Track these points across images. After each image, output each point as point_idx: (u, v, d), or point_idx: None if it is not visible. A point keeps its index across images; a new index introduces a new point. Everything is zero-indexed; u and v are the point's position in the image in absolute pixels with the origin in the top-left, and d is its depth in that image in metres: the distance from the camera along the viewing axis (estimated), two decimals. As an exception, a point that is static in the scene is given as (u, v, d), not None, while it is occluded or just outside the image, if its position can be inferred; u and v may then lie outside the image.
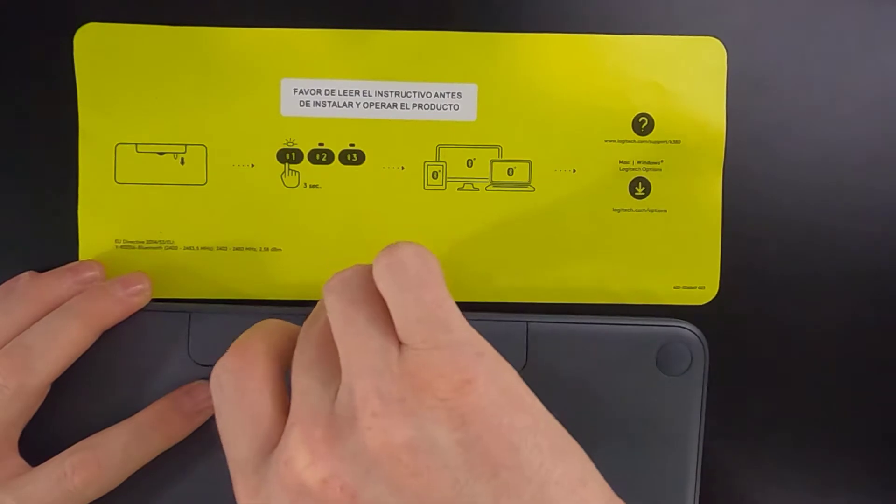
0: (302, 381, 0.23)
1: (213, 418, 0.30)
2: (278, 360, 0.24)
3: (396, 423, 0.21)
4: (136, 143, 0.32)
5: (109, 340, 0.30)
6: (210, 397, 0.30)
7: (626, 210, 0.33)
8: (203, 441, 0.31)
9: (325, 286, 0.23)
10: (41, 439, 0.29)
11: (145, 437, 0.29)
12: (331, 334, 0.23)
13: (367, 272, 0.23)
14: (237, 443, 0.23)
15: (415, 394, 0.21)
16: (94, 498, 0.29)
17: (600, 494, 0.22)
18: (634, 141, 0.33)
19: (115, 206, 0.32)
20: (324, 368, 0.23)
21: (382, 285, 0.22)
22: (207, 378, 0.31)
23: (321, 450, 0.21)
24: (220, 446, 0.31)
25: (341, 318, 0.22)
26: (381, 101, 0.32)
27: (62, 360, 0.29)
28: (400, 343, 0.22)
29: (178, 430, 0.30)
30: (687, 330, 0.32)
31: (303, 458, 0.21)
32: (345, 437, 0.21)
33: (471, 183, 0.33)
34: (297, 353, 0.24)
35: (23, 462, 0.29)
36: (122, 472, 0.29)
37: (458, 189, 0.33)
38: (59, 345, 0.29)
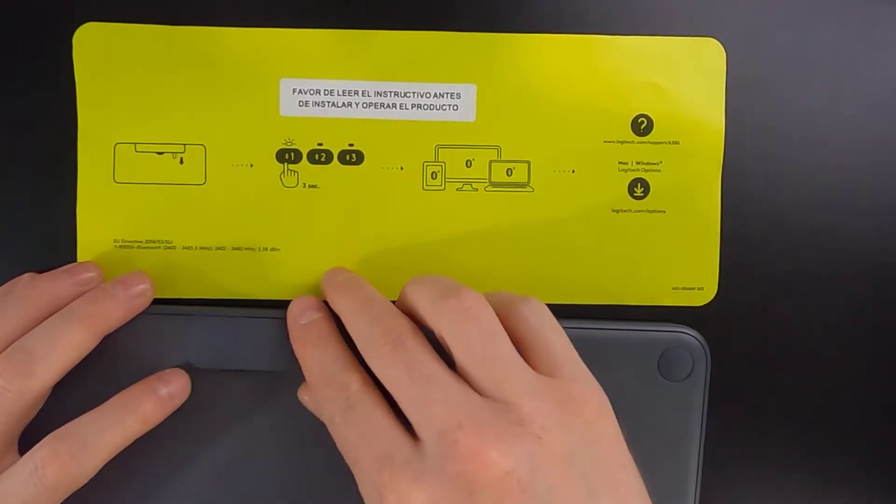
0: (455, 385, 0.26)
1: (182, 409, 0.31)
2: None
3: (559, 436, 0.25)
4: (135, 143, 0.32)
5: (109, 343, 0.30)
6: (182, 383, 0.31)
7: (624, 211, 0.33)
8: (186, 435, 0.31)
9: (466, 297, 0.27)
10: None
11: (120, 420, 0.29)
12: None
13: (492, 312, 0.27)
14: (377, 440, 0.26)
15: (567, 415, 0.26)
16: (73, 487, 0.28)
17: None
18: (633, 142, 0.33)
19: (113, 205, 0.32)
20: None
21: (535, 324, 0.27)
22: (205, 380, 0.31)
23: (502, 446, 0.24)
24: (203, 439, 0.31)
25: (486, 339, 0.26)
26: (380, 102, 0.32)
27: (63, 364, 0.29)
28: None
29: (152, 413, 0.30)
30: (689, 335, 0.32)
31: (487, 452, 0.24)
32: (515, 439, 0.24)
33: (470, 183, 0.33)
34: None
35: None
36: (98, 459, 0.28)
37: (456, 189, 0.33)
38: (61, 349, 0.29)
